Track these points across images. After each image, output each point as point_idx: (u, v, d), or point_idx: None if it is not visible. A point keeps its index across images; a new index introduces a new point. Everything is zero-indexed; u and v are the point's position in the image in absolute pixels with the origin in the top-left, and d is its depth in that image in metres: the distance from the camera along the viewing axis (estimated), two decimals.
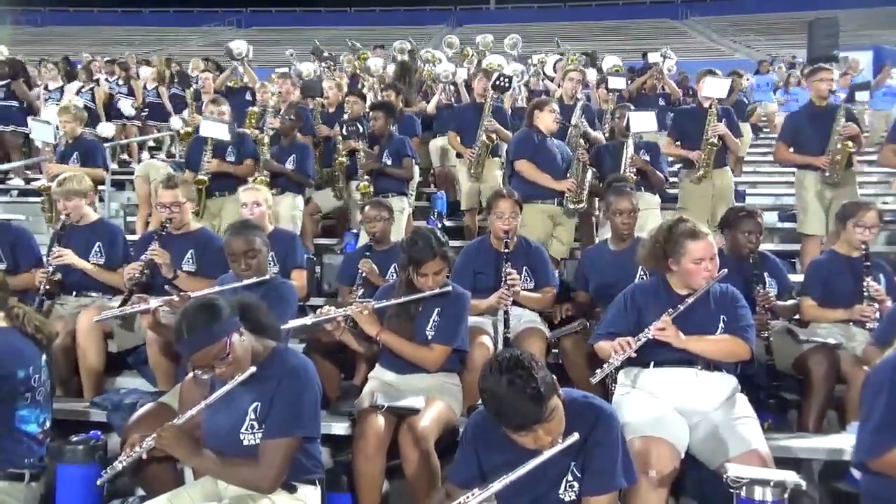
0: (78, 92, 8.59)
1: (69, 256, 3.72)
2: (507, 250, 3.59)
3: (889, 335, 2.85)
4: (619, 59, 8.34)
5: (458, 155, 5.98)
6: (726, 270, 2.77)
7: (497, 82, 5.75)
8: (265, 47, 19.46)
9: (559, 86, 7.42)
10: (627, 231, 3.71)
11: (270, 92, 6.86)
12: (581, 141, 5.13)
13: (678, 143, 5.36)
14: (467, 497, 1.98)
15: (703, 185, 5.16)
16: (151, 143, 9.34)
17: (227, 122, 5.29)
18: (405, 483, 2.72)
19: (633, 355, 2.65)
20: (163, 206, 3.76)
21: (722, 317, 2.74)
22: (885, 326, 3.05)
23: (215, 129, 5.13)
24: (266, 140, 5.49)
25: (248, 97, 7.53)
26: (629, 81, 7.96)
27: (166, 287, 3.53)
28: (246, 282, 3.06)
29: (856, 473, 2.37)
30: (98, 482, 2.37)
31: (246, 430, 2.25)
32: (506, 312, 3.44)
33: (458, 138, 5.89)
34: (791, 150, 5.07)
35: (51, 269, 3.70)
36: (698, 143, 5.15)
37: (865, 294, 3.43)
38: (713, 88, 5.20)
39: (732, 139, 5.28)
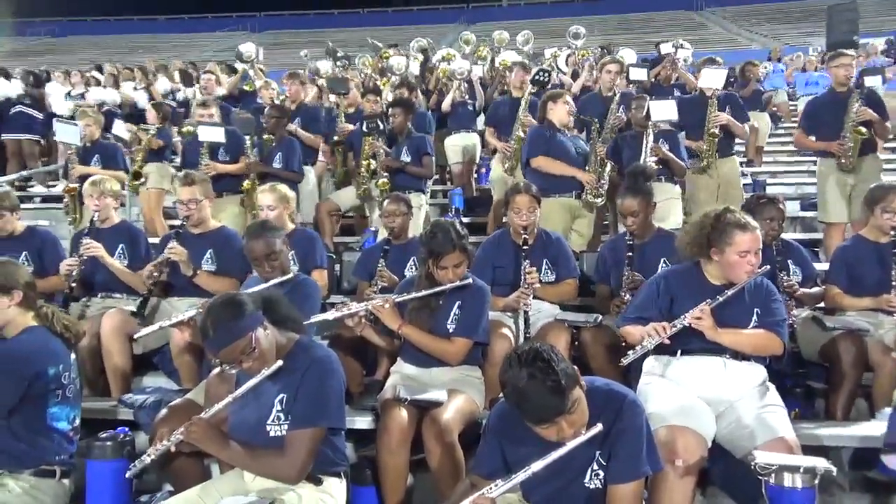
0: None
1: (100, 249, 3.76)
2: (525, 246, 3.57)
3: None
4: (634, 52, 8.26)
5: (494, 150, 5.98)
6: (768, 267, 2.72)
7: (537, 77, 5.72)
8: (279, 51, 19.59)
9: (573, 78, 7.38)
10: (637, 231, 3.66)
11: (275, 91, 6.85)
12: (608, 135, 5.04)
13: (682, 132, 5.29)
14: (491, 488, 1.97)
15: (707, 175, 5.12)
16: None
17: (218, 123, 5.37)
18: (430, 476, 2.72)
19: (667, 342, 2.62)
20: (180, 202, 3.81)
21: (755, 310, 2.68)
22: None
23: (211, 133, 5.22)
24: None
25: (260, 100, 7.57)
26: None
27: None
28: (272, 281, 3.06)
29: (887, 461, 2.33)
30: (127, 475, 2.39)
31: (272, 421, 2.27)
32: (525, 312, 3.40)
33: (494, 132, 5.89)
34: (811, 136, 5.00)
35: (83, 257, 3.73)
36: (700, 132, 5.11)
37: (894, 283, 3.34)
38: (710, 79, 5.14)
39: (738, 126, 5.21)
